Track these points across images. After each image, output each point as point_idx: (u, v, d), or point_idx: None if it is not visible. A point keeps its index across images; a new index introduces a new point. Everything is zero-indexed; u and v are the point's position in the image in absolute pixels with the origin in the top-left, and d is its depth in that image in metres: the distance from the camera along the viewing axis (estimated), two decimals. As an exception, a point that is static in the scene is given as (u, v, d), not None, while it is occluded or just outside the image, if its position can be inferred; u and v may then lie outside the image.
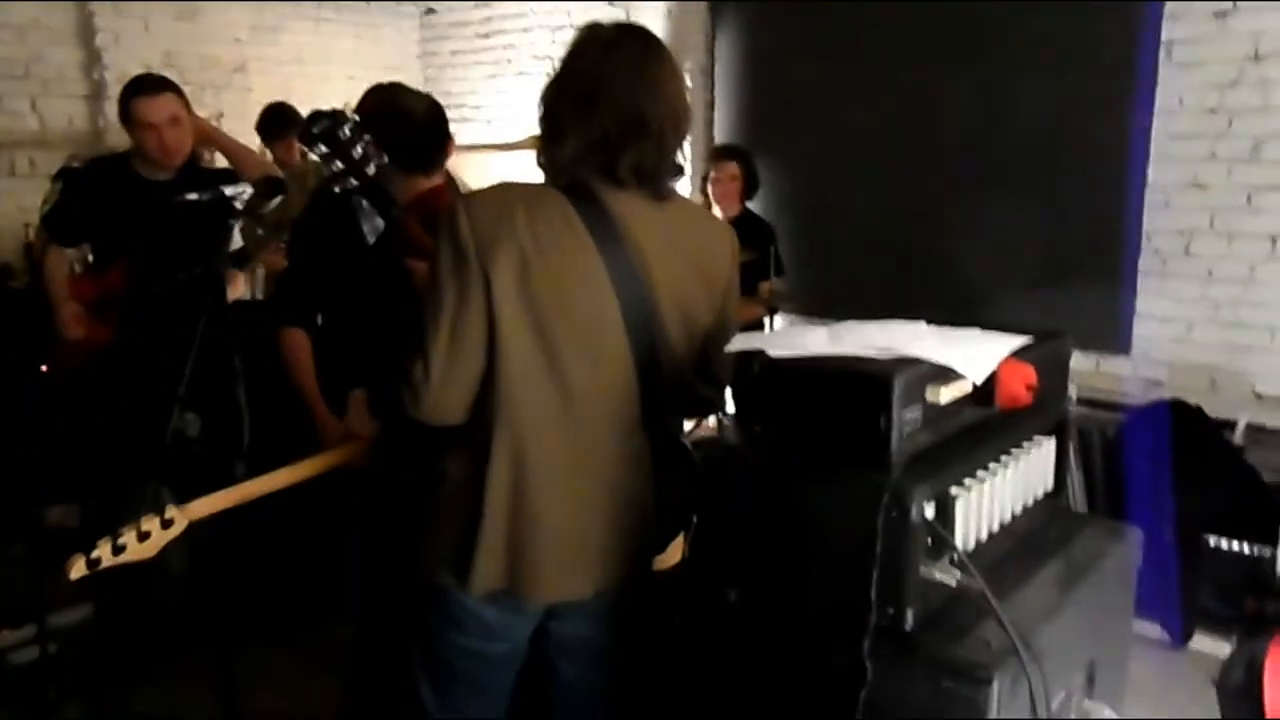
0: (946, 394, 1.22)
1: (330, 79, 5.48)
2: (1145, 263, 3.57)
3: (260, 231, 3.56)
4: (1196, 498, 3.08)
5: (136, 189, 2.89)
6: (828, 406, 1.19)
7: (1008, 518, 1.35)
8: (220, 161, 3.31)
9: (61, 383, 3.07)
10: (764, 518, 1.26)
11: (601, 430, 1.44)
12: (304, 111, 2.34)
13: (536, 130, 1.49)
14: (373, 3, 5.78)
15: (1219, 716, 2.52)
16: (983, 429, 1.32)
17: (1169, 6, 3.43)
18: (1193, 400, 3.28)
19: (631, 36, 1.46)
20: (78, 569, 1.51)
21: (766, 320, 3.81)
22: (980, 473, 1.27)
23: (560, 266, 1.38)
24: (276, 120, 3.94)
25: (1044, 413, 1.44)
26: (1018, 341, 1.35)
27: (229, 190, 2.10)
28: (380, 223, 2.10)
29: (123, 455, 2.79)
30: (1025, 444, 1.40)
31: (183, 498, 1.67)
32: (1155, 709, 2.61)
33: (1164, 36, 3.44)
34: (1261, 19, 3.26)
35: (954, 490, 1.21)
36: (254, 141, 3.79)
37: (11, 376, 3.48)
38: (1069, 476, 1.54)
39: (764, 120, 4.76)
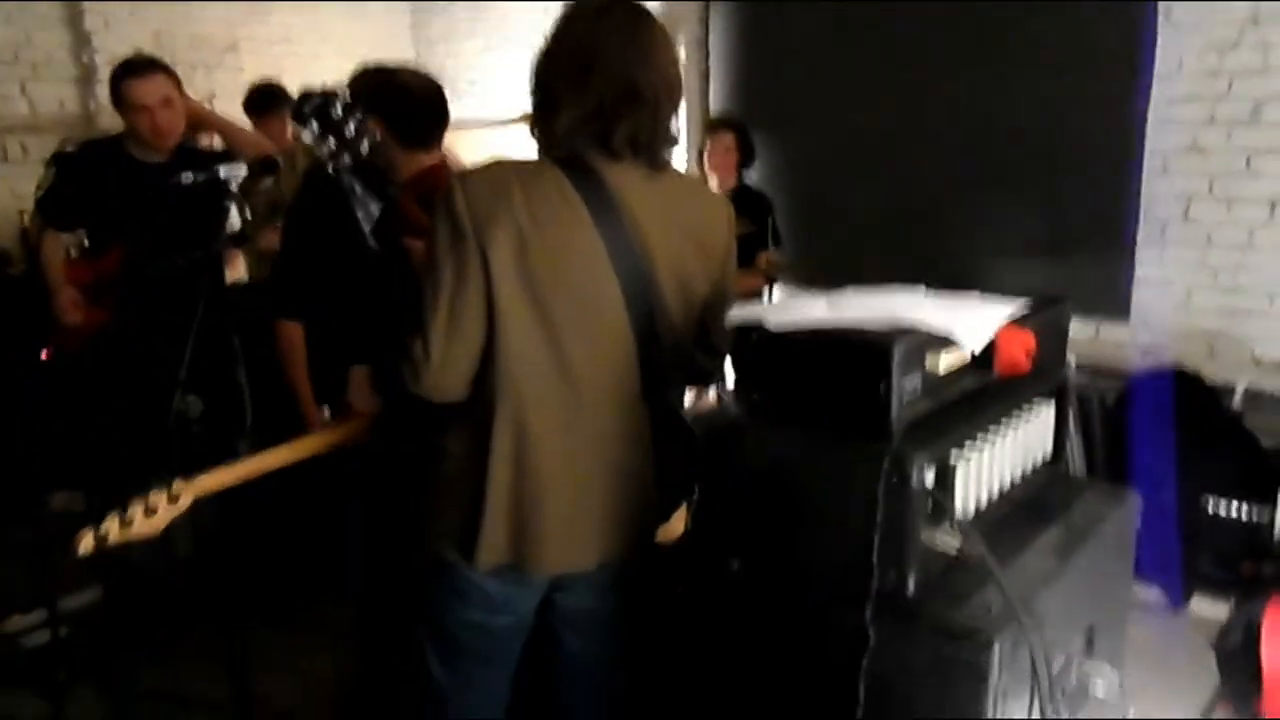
0: (946, 361, 1.22)
1: (321, 57, 5.43)
2: (1144, 228, 3.56)
3: (249, 215, 3.56)
4: (1195, 463, 3.09)
5: (130, 172, 2.87)
6: (827, 375, 1.19)
7: (1008, 484, 1.36)
8: (220, 146, 3.29)
9: (61, 368, 3.07)
10: (765, 487, 1.26)
11: (602, 402, 1.45)
12: (296, 91, 2.32)
13: (531, 105, 1.49)
14: (363, -21, 5.72)
15: (1217, 678, 2.55)
16: (982, 396, 1.33)
17: (1168, -32, 3.39)
18: (1191, 366, 3.28)
19: (622, 6, 1.45)
20: (86, 545, 1.51)
21: (765, 292, 3.81)
22: (980, 439, 1.28)
23: (557, 241, 1.38)
24: (264, 99, 3.91)
25: (1043, 379, 1.44)
26: (1016, 308, 1.36)
27: (224, 171, 2.09)
28: (374, 209, 2.09)
29: (125, 439, 2.80)
30: (1025, 410, 1.40)
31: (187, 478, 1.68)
32: (1154, 672, 2.63)
33: (1163, -2, 3.41)
34: (1262, -21, 3.22)
35: (954, 457, 1.21)
36: (245, 122, 3.76)
37: (11, 364, 3.49)
38: (1068, 442, 1.55)
39: (759, 92, 4.73)
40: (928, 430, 1.19)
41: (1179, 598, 3.07)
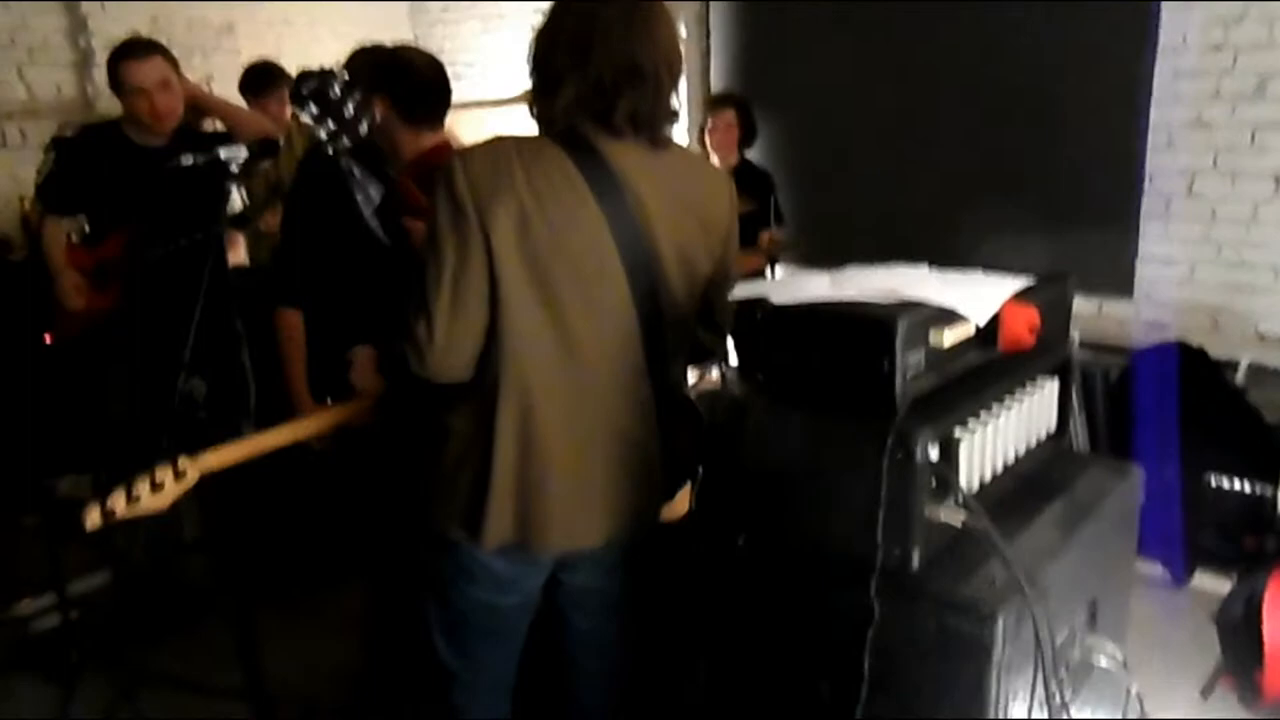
0: (950, 337, 1.22)
1: (319, 39, 5.40)
2: (1148, 204, 3.54)
3: (247, 196, 3.55)
4: (1198, 438, 3.09)
5: (130, 156, 2.86)
6: (831, 351, 1.19)
7: (1011, 459, 1.36)
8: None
9: (64, 353, 3.08)
10: (770, 464, 1.27)
11: (606, 380, 1.45)
12: (295, 73, 2.31)
13: (529, 84, 1.48)
14: (359, -41, 5.67)
15: (1219, 651, 2.57)
16: (986, 371, 1.33)
17: (1173, -59, 3.36)
18: (1195, 341, 3.28)
19: None
20: (93, 519, 1.51)
21: (767, 270, 3.80)
22: (984, 414, 1.28)
23: (559, 218, 1.37)
24: (261, 78, 3.88)
25: (1047, 355, 1.44)
26: (1020, 284, 1.35)
27: (224, 153, 2.08)
28: (373, 192, 2.08)
29: (131, 422, 2.81)
30: (1028, 386, 1.40)
31: (192, 461, 1.68)
32: (1156, 647, 2.65)
33: (1168, -29, 3.38)
34: (1267, -49, 3.19)
35: (958, 432, 1.21)
36: (242, 104, 3.74)
37: (13, 349, 3.49)
38: (1072, 418, 1.55)
39: (761, 69, 4.70)
40: (932, 406, 1.19)
41: (1181, 573, 3.08)
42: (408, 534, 1.87)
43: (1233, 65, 3.31)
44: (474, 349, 1.42)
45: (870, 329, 1.15)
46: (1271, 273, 3.34)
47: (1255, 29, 3.25)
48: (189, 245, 2.45)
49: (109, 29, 4.48)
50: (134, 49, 2.79)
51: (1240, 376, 3.25)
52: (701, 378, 2.24)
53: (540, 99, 1.45)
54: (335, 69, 2.00)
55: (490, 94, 5.29)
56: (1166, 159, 3.48)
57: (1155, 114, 3.46)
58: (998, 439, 1.30)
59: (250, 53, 4.66)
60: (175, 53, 2.90)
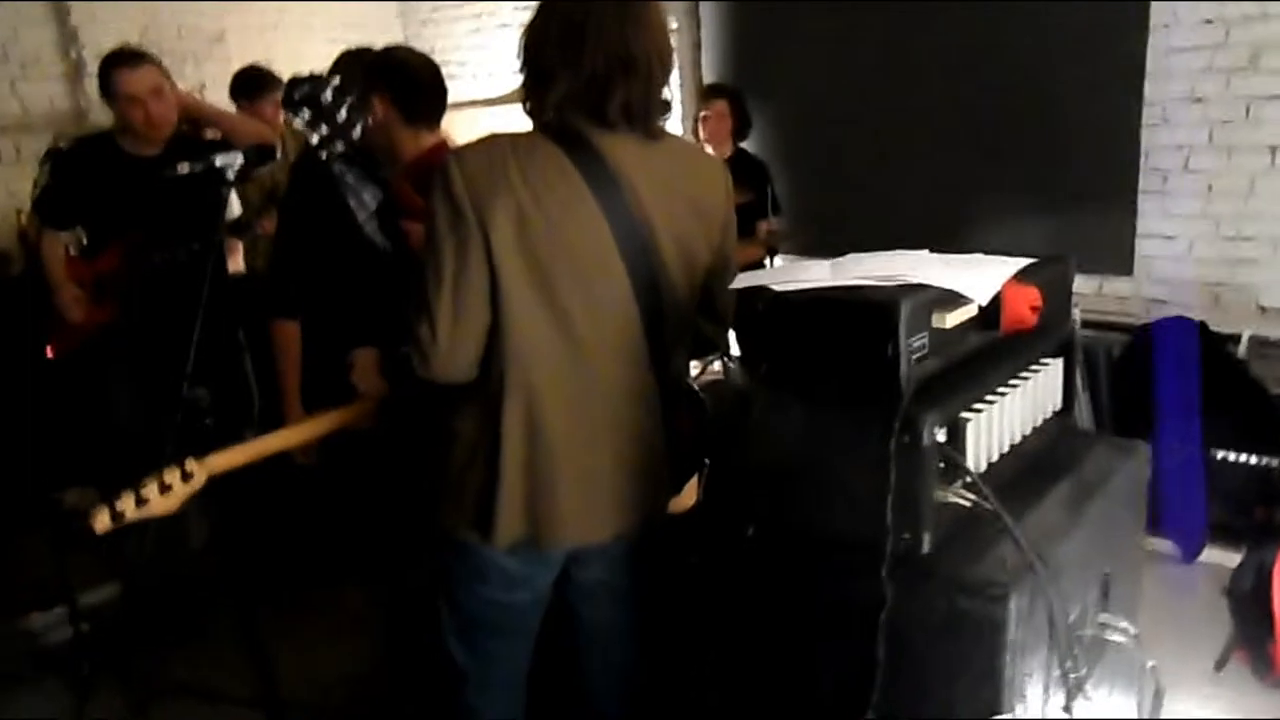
0: (952, 319, 1.21)
1: (311, 42, 5.38)
2: (1144, 181, 3.54)
3: (243, 203, 3.54)
4: (1203, 412, 3.09)
5: (124, 166, 2.86)
6: (834, 337, 1.19)
7: (1018, 439, 1.36)
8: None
9: (66, 366, 3.08)
10: (776, 453, 1.27)
11: (610, 374, 1.45)
12: (286, 78, 2.30)
13: (521, 80, 1.47)
14: (347, -39, 5.66)
15: (1231, 626, 2.57)
16: (989, 352, 1.32)
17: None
18: (1197, 316, 3.28)
19: None
20: (102, 522, 1.50)
21: (766, 261, 3.80)
22: (989, 395, 1.28)
23: (557, 214, 1.37)
24: (251, 83, 3.87)
25: (1049, 335, 1.44)
26: (1021, 264, 1.35)
27: (220, 160, 2.07)
28: (367, 197, 2.08)
29: (135, 433, 2.81)
30: (1032, 366, 1.40)
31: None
32: (1168, 623, 2.65)
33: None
34: (1256, -77, 3.18)
35: (964, 414, 1.21)
36: (235, 109, 3.74)
37: (15, 363, 3.50)
38: (1076, 397, 1.55)
39: (754, 59, 4.69)
40: (937, 388, 1.18)
41: (1191, 548, 3.08)
42: (414, 536, 1.87)
43: (1225, 39, 3.31)
44: (477, 349, 1.42)
45: (873, 313, 1.15)
46: (1270, 245, 3.34)
47: (1247, 2, 3.24)
48: (189, 254, 2.45)
49: (99, 39, 4.47)
50: (125, 57, 2.79)
51: (1242, 350, 3.25)
52: (704, 369, 2.24)
53: (532, 94, 1.44)
54: (327, 74, 2.00)
55: (483, 94, 5.28)
56: (1162, 135, 3.48)
57: (1149, 90, 3.46)
58: (1003, 420, 1.30)
59: (242, 59, 4.64)
60: (167, 61, 2.90)
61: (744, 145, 3.96)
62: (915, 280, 1.21)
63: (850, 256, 1.38)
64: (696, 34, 4.86)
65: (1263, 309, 3.37)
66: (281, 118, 3.75)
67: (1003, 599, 1.10)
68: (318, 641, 2.83)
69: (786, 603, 1.30)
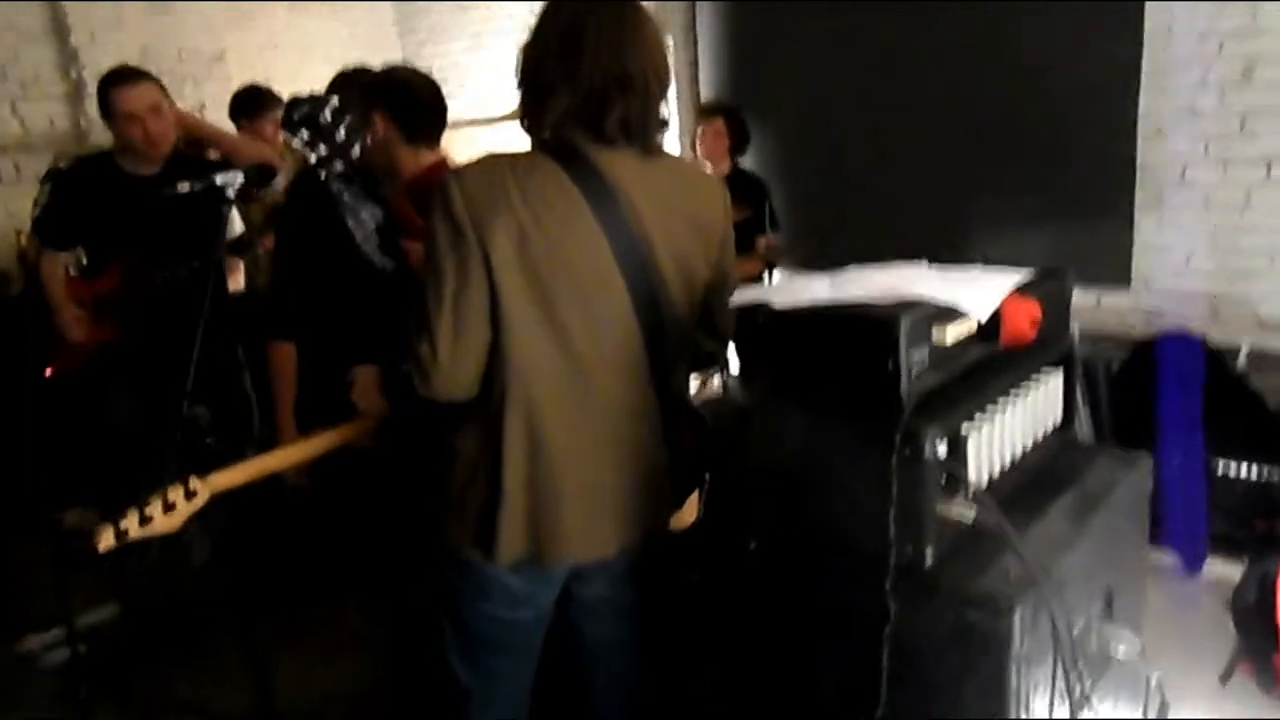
0: (952, 333, 1.22)
1: (310, 61, 5.42)
2: (1141, 195, 3.55)
3: (244, 222, 3.55)
4: (1203, 425, 3.10)
5: (124, 186, 2.87)
6: (835, 353, 1.20)
7: (1019, 453, 1.36)
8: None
9: (66, 386, 3.08)
10: (777, 468, 1.27)
11: (611, 390, 1.45)
12: (286, 98, 2.31)
13: (518, 97, 1.48)
14: (346, -20, 5.71)
15: (1235, 638, 2.56)
16: (989, 366, 1.33)
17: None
18: (1195, 329, 3.28)
19: None
20: (106, 540, 1.50)
21: (764, 277, 3.80)
22: (990, 409, 1.28)
23: (557, 232, 1.38)
24: (251, 102, 3.89)
25: (1049, 348, 1.44)
26: (1020, 278, 1.35)
27: (220, 179, 2.08)
28: (365, 215, 2.08)
29: (136, 452, 2.80)
30: (1032, 379, 1.40)
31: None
32: (1173, 634, 2.64)
33: (1150, -40, 3.40)
34: (1247, -62, 3.21)
35: (965, 428, 1.21)
36: (233, 129, 3.76)
37: (16, 383, 3.49)
38: (1077, 410, 1.55)
39: (751, 75, 4.71)
40: (938, 403, 1.19)
41: (1193, 561, 3.07)
42: (415, 554, 1.86)
43: (1219, 52, 3.33)
44: (478, 367, 1.42)
45: (873, 328, 1.15)
46: (1268, 257, 3.34)
47: (1239, 15, 3.26)
48: (189, 273, 2.45)
49: (99, 60, 4.49)
50: (124, 75, 2.80)
51: (1242, 362, 3.25)
52: (704, 385, 2.24)
53: (530, 110, 1.45)
54: (325, 95, 2.01)
55: (482, 112, 5.31)
56: (1158, 148, 3.49)
57: (1144, 103, 3.48)
58: (1005, 433, 1.30)
59: (242, 79, 4.67)
60: (167, 81, 2.92)
61: (742, 161, 3.98)
62: (914, 295, 1.21)
63: (850, 270, 1.38)
64: (694, 51, 4.89)
65: (1261, 321, 3.37)
66: (281, 138, 3.77)
67: (1008, 612, 1.10)
68: (318, 659, 2.82)
69: (788, 617, 1.30)
